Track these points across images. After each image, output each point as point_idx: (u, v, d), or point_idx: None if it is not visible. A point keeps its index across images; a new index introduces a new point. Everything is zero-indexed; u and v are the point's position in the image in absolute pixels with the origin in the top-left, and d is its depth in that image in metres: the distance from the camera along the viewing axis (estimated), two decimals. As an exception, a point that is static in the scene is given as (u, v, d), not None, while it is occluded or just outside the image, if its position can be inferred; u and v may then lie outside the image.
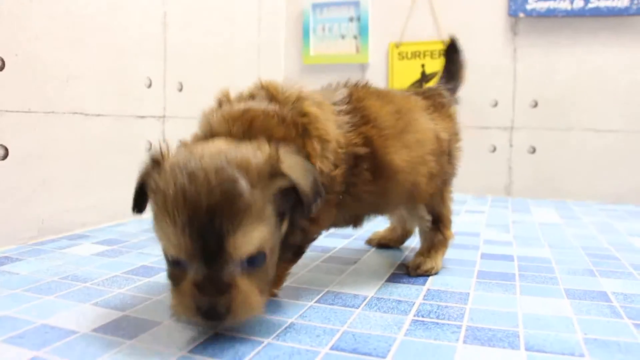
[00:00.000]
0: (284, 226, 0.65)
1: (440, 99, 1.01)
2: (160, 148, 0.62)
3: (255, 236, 0.57)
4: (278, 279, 0.76)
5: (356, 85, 0.86)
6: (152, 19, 1.49)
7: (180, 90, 1.60)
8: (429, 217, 0.97)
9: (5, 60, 1.07)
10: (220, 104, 0.73)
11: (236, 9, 1.91)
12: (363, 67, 2.18)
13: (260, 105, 0.70)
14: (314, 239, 0.80)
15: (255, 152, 0.60)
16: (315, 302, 0.79)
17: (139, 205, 0.65)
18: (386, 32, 2.14)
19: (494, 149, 2.06)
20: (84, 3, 1.25)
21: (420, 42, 2.09)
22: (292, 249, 0.74)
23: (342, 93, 0.81)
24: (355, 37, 2.16)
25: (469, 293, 0.85)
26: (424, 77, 2.09)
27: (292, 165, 0.61)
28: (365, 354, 0.61)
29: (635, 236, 1.34)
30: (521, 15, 1.95)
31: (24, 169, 1.12)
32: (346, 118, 0.77)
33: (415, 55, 2.09)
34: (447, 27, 2.07)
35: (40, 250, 1.07)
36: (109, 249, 1.09)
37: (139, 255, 1.04)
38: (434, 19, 2.08)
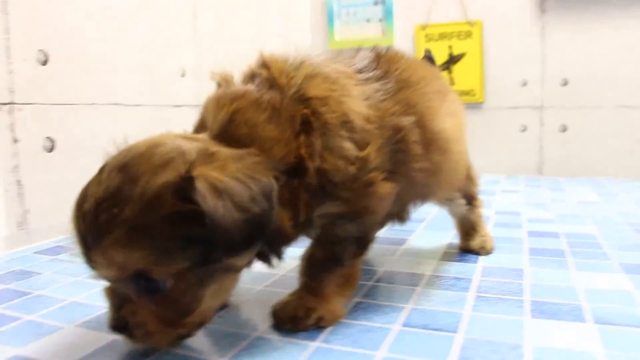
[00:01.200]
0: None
1: None
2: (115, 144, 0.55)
3: (120, 258, 0.47)
4: (351, 278, 0.66)
5: (382, 48, 0.73)
6: (183, 10, 1.49)
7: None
8: (462, 201, 0.92)
9: (49, 54, 1.08)
10: (218, 87, 0.62)
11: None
12: (389, 50, 2.17)
13: (254, 92, 0.58)
14: (372, 230, 0.67)
15: (169, 163, 0.48)
16: (375, 281, 0.80)
17: None
18: (412, 15, 2.13)
19: (525, 129, 2.04)
20: (123, 4, 1.26)
21: (447, 24, 2.07)
22: (349, 242, 0.64)
23: (366, 57, 0.68)
24: (380, 20, 2.15)
25: (523, 269, 0.85)
26: (452, 59, 2.07)
27: (219, 181, 0.47)
28: (436, 329, 0.62)
29: (678, 211, 1.33)
30: (550, -8, 1.93)
31: (70, 160, 1.13)
32: (376, 85, 0.65)
33: (443, 36, 2.07)
34: (473, 7, 2.05)
35: (91, 239, 1.09)
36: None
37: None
38: (460, 0, 2.06)
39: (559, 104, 2.00)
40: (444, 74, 2.08)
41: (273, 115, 0.56)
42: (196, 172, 0.47)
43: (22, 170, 1.04)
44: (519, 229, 1.15)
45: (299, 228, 0.58)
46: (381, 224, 0.75)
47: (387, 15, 2.13)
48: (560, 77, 1.99)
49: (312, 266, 0.64)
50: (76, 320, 0.66)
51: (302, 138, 0.56)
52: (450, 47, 2.07)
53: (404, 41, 2.14)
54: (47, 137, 1.09)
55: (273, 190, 0.50)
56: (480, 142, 2.02)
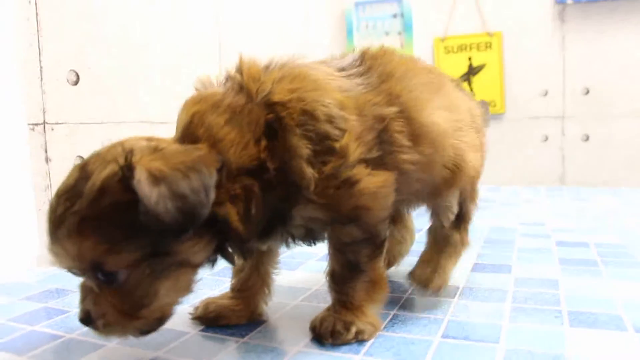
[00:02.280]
0: (189, 245, 0.52)
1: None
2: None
3: (72, 249, 0.49)
4: (377, 281, 0.64)
5: (369, 47, 0.71)
6: (207, 24, 1.51)
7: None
8: (455, 210, 0.81)
9: (79, 74, 1.11)
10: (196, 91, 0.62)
11: (283, 12, 1.93)
12: (408, 63, 2.18)
13: (218, 95, 0.58)
14: (379, 227, 0.63)
15: (117, 158, 0.50)
16: (409, 294, 0.80)
17: None
18: (430, 27, 2.14)
19: (546, 139, 2.04)
20: (145, 18, 1.28)
21: (466, 35, 2.08)
22: (359, 246, 0.62)
23: (352, 56, 0.68)
24: (399, 33, 2.17)
25: (557, 280, 0.85)
26: (471, 70, 2.08)
27: (158, 170, 0.49)
28: (477, 340, 0.62)
29: None
30: (569, 1, 1.93)
31: (101, 178, 1.15)
32: (358, 80, 0.64)
33: (462, 48, 2.08)
34: (492, 19, 2.05)
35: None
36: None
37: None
38: (478, 12, 2.07)
39: (580, 114, 2.00)
40: (464, 85, 2.08)
41: (232, 118, 0.56)
42: (136, 161, 0.49)
43: (54, 190, 1.06)
44: (547, 239, 1.14)
45: (257, 225, 0.57)
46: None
47: (406, 28, 2.14)
48: (581, 86, 1.99)
49: (335, 280, 0.64)
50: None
51: (264, 143, 0.56)
52: (469, 58, 2.08)
53: (423, 53, 2.15)
54: (78, 156, 1.10)
55: (211, 183, 0.50)
56: (502, 152, 2.01)
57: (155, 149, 0.52)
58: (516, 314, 0.70)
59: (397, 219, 0.77)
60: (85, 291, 0.53)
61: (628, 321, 0.66)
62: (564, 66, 2.00)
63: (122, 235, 0.49)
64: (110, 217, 0.49)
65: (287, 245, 0.66)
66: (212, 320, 0.69)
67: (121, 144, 0.53)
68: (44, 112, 1.04)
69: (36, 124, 1.02)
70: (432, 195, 0.76)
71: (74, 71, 1.10)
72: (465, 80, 2.08)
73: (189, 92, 1.19)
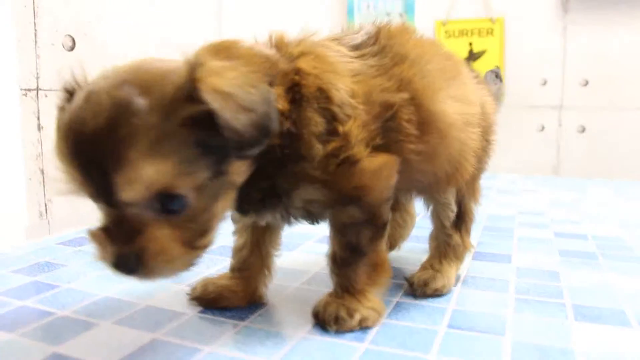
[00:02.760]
0: (237, 166, 0.50)
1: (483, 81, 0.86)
2: (75, 74, 0.50)
3: (149, 172, 0.43)
4: (380, 264, 0.63)
5: (387, 23, 0.68)
6: (208, 11, 1.48)
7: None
8: (454, 208, 0.79)
9: (76, 39, 1.07)
10: None
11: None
12: (407, 46, 2.16)
13: (255, 46, 0.58)
14: (380, 208, 0.61)
15: (176, 68, 0.47)
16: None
17: None
18: (432, 10, 2.11)
19: (543, 128, 2.03)
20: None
21: (467, 20, 2.05)
22: (360, 227, 0.61)
23: (366, 33, 0.66)
24: (400, 15, 2.14)
25: (558, 272, 0.84)
26: (472, 56, 2.06)
27: (223, 85, 0.46)
28: (482, 331, 0.61)
29: None
30: (573, -9, 1.91)
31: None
32: (371, 61, 0.62)
33: (463, 33, 2.06)
34: (495, 4, 2.03)
35: (113, 231, 1.08)
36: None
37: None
38: (481, -4, 2.05)
39: (578, 105, 1.99)
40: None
41: (267, 62, 0.55)
42: (200, 76, 0.45)
43: (45, 159, 1.03)
44: (546, 229, 1.13)
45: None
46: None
47: (408, 9, 2.11)
48: (580, 77, 1.98)
49: (336, 264, 0.62)
50: (111, 316, 0.64)
51: (288, 96, 0.55)
52: (470, 44, 2.05)
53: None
54: (72, 126, 1.07)
55: (271, 96, 0.49)
56: (498, 140, 2.00)
57: (200, 64, 0.47)
58: (520, 305, 0.69)
59: (396, 206, 0.74)
60: (121, 233, 0.47)
61: (632, 315, 0.66)
62: (564, 57, 1.99)
63: (193, 155, 0.45)
64: (181, 136, 0.45)
65: (289, 223, 0.64)
66: (211, 301, 0.67)
67: (150, 61, 0.49)
68: (37, 78, 1.00)
69: (29, 90, 0.99)
70: (432, 189, 0.75)
71: (70, 36, 1.06)
72: (465, 66, 2.06)
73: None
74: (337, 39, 0.64)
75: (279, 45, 0.59)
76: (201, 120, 0.45)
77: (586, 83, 1.97)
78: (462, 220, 0.80)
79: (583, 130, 1.99)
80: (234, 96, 0.46)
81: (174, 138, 0.44)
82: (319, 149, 0.55)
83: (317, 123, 0.55)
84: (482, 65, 2.04)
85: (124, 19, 1.18)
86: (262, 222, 0.65)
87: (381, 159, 0.59)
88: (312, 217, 0.63)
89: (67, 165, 0.45)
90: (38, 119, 1.01)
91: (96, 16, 1.11)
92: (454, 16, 2.08)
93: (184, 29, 1.39)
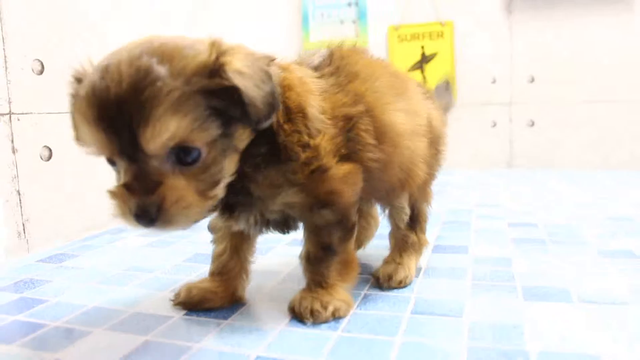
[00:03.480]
0: (240, 132, 0.58)
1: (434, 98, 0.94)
2: (82, 65, 0.58)
3: (171, 126, 0.51)
4: (349, 263, 0.71)
5: (340, 44, 0.77)
6: (177, 18, 1.52)
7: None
8: (408, 211, 0.86)
9: (44, 63, 1.10)
10: None
11: (239, 1, 1.94)
12: (363, 51, 2.23)
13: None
14: (349, 212, 0.68)
15: (194, 44, 0.55)
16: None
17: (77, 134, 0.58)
18: (384, 16, 2.20)
19: (495, 124, 2.13)
20: (109, 8, 1.28)
21: (418, 25, 2.15)
22: (331, 229, 0.68)
23: (321, 55, 0.74)
24: (354, 22, 2.21)
25: (511, 259, 0.92)
26: (424, 58, 2.15)
27: (242, 67, 0.55)
28: (442, 314, 0.68)
29: (643, 198, 1.43)
30: (516, -7, 2.02)
31: (66, 168, 1.16)
32: (330, 80, 0.69)
33: (415, 37, 2.15)
34: (444, 8, 2.12)
35: (90, 245, 1.12)
36: (156, 240, 1.14)
37: (189, 244, 1.09)
38: (431, 2, 2.14)
39: (526, 100, 2.10)
40: (417, 73, 2.15)
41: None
42: (226, 59, 0.54)
43: (21, 180, 1.06)
44: (501, 220, 1.22)
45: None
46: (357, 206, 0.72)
47: (361, 16, 2.19)
48: (527, 74, 2.09)
49: (310, 262, 0.70)
50: (103, 324, 0.69)
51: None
52: (422, 47, 2.14)
53: (377, 41, 2.21)
54: (45, 146, 1.11)
55: (273, 75, 0.58)
56: (453, 137, 2.09)
57: (217, 46, 0.56)
58: (476, 290, 0.76)
59: (359, 212, 0.81)
60: (142, 185, 0.53)
61: (574, 293, 0.74)
62: (512, 55, 2.09)
63: (206, 116, 0.53)
64: (197, 99, 0.52)
65: (261, 230, 0.71)
66: (195, 304, 0.73)
67: (170, 38, 0.57)
68: (9, 103, 1.04)
69: (2, 114, 1.02)
70: (389, 196, 0.82)
71: (39, 60, 1.10)
72: (418, 69, 2.15)
73: None
74: (299, 63, 0.72)
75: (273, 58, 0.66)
76: (215, 91, 0.53)
77: (533, 80, 2.09)
78: (416, 221, 0.87)
79: (532, 124, 2.10)
80: (251, 76, 0.55)
81: (191, 101, 0.52)
82: (299, 157, 0.63)
83: (303, 133, 0.63)
84: (435, 66, 2.14)
85: (91, 42, 1.22)
86: (237, 227, 0.71)
87: (347, 167, 0.66)
88: (286, 223, 0.70)
89: (93, 129, 0.52)
90: (12, 142, 1.04)
91: (64, 40, 1.15)
92: (405, 21, 2.17)
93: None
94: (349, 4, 2.21)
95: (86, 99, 0.52)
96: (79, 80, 0.57)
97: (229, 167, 0.59)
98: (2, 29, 1.02)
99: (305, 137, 0.63)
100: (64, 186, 1.16)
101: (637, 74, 1.98)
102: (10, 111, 1.04)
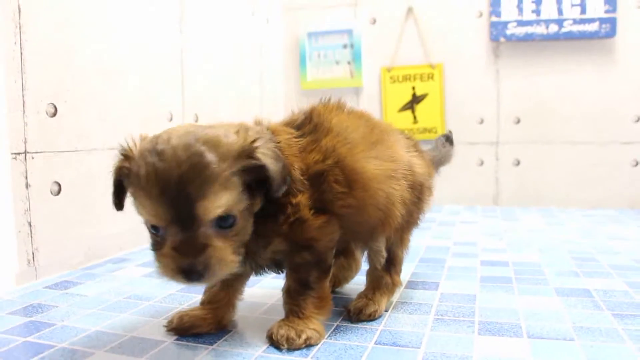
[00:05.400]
0: (258, 199, 0.71)
1: (423, 151, 1.01)
2: (127, 143, 0.69)
3: (222, 200, 0.64)
4: (324, 298, 0.80)
5: (322, 102, 0.86)
6: (172, 57, 1.64)
7: (196, 121, 1.75)
8: (385, 254, 0.94)
9: (57, 106, 1.21)
10: None
11: (239, 41, 2.06)
12: (357, 90, 2.35)
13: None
14: (326, 255, 0.79)
15: (227, 133, 0.68)
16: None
17: (118, 201, 0.73)
18: (378, 58, 2.32)
19: (482, 163, 2.23)
20: (112, 53, 1.40)
21: (410, 66, 2.26)
22: (309, 267, 0.78)
23: (303, 114, 0.84)
24: (349, 63, 2.33)
25: (475, 295, 1.01)
26: (415, 99, 2.26)
27: (265, 150, 0.69)
28: (402, 346, 0.77)
29: (614, 239, 1.52)
30: (502, 39, 2.14)
31: (73, 201, 1.26)
32: (309, 138, 0.79)
33: (406, 78, 2.26)
34: (434, 52, 2.24)
35: (93, 274, 1.21)
36: (152, 270, 1.20)
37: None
38: (422, 45, 2.26)
39: (512, 140, 2.20)
40: (408, 112, 2.26)
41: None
42: (256, 145, 0.68)
43: (32, 213, 1.16)
44: (475, 258, 1.31)
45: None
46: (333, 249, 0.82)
47: (356, 57, 2.31)
48: (513, 115, 2.20)
49: (290, 295, 0.80)
50: (103, 346, 0.79)
51: None
52: (413, 87, 2.26)
53: (370, 82, 2.32)
54: (55, 182, 1.21)
55: (280, 155, 0.72)
56: (442, 174, 2.19)
57: (247, 132, 0.71)
58: (437, 324, 0.85)
59: (344, 253, 0.95)
60: (190, 251, 0.64)
61: (524, 328, 0.83)
62: (498, 97, 2.20)
63: (243, 189, 0.67)
64: (237, 178, 0.66)
65: (257, 273, 0.83)
66: (186, 329, 0.82)
67: (207, 127, 0.70)
68: (25, 143, 1.14)
69: (18, 153, 1.13)
70: (371, 235, 0.89)
71: (52, 104, 1.21)
72: (409, 109, 2.26)
73: (153, 118, 1.35)
74: (287, 123, 0.83)
75: (262, 124, 0.80)
76: (247, 169, 0.67)
77: (518, 121, 2.19)
78: (391, 264, 0.95)
79: (518, 163, 2.20)
80: (271, 156, 0.69)
81: (234, 178, 0.66)
82: (286, 211, 0.74)
83: (290, 194, 0.74)
84: (425, 107, 2.25)
85: (99, 84, 1.33)
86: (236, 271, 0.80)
87: (323, 217, 0.77)
88: (277, 265, 0.81)
89: (155, 203, 0.64)
90: (26, 178, 1.14)
91: (75, 84, 1.26)
92: (397, 63, 2.29)
93: (151, 88, 1.54)
94: (345, 46, 2.33)
95: (148, 178, 0.64)
96: (126, 157, 0.68)
97: (249, 228, 0.72)
98: (22, 77, 1.13)
99: (291, 197, 0.74)
100: (71, 219, 1.26)
101: (614, 118, 2.09)
102: (25, 150, 1.14)
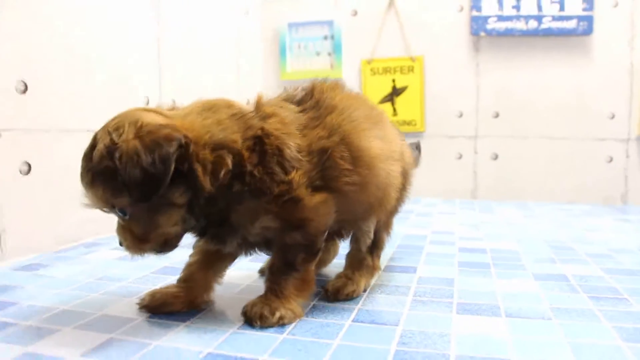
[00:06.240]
0: (172, 194, 0.69)
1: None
2: None
3: (95, 194, 0.68)
4: (307, 281, 0.79)
5: (321, 80, 0.86)
6: (148, 44, 1.61)
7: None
8: (372, 236, 0.95)
9: (27, 83, 1.18)
10: None
11: (217, 31, 2.04)
12: (337, 82, 2.34)
13: (236, 105, 0.77)
14: (317, 237, 0.78)
15: (111, 132, 0.67)
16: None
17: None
18: (359, 50, 2.31)
19: (460, 156, 2.24)
20: (89, 30, 1.36)
21: (390, 59, 2.26)
22: (298, 249, 0.76)
23: (303, 89, 0.83)
24: (329, 54, 2.32)
25: (454, 279, 1.00)
26: (395, 91, 2.25)
27: (129, 150, 0.65)
28: (381, 324, 0.76)
29: (589, 231, 1.53)
30: (482, 34, 2.15)
31: (44, 183, 1.22)
32: (310, 114, 0.79)
33: (386, 70, 2.26)
34: (415, 45, 2.24)
35: (65, 257, 1.18)
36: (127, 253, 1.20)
37: (158, 259, 1.13)
38: (403, 38, 2.25)
39: (491, 134, 2.21)
40: (388, 105, 2.26)
41: (233, 114, 0.74)
42: (119, 140, 0.66)
43: (0, 192, 1.12)
44: (452, 245, 1.31)
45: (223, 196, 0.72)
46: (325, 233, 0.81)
47: (336, 49, 2.30)
48: (492, 109, 2.20)
49: (272, 272, 0.78)
50: (71, 323, 0.76)
51: (249, 144, 0.73)
52: (393, 80, 2.25)
53: (351, 74, 2.31)
54: (25, 161, 1.17)
55: (170, 157, 0.66)
56: (421, 168, 2.19)
57: (139, 126, 0.67)
58: (415, 305, 0.84)
59: (342, 234, 0.92)
60: (117, 224, 0.73)
61: (502, 309, 0.82)
62: (478, 91, 2.21)
63: (117, 186, 0.66)
64: (109, 174, 0.66)
65: (247, 252, 0.81)
66: (157, 307, 0.80)
67: (122, 117, 0.69)
68: (-7, 120, 1.11)
69: (-15, 131, 1.09)
70: (364, 215, 0.89)
71: (23, 81, 1.17)
72: (389, 101, 2.25)
73: (129, 102, 1.32)
74: (286, 98, 0.82)
75: (258, 105, 0.77)
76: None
77: (497, 115, 2.20)
78: (375, 246, 0.97)
79: (496, 157, 2.21)
80: (137, 158, 0.65)
81: (104, 176, 0.67)
82: (273, 191, 0.72)
83: (277, 172, 0.72)
84: (405, 99, 2.25)
85: (72, 63, 1.30)
86: (226, 250, 0.80)
87: (320, 197, 0.75)
88: (267, 243, 0.79)
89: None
90: (-6, 155, 1.11)
91: (46, 61, 1.23)
92: (378, 55, 2.28)
93: (127, 71, 1.51)
94: (325, 37, 2.32)
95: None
96: None
97: (168, 220, 0.72)
98: (-9, 50, 1.09)
99: (280, 176, 0.72)
100: (42, 200, 1.22)
101: (591, 113, 2.11)
102: (-6, 127, 1.11)
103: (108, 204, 0.69)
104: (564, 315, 0.80)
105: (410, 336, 0.71)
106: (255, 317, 0.74)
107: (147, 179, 0.65)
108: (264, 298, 0.77)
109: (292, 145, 0.74)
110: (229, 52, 2.13)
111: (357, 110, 0.82)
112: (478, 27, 2.14)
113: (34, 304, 0.85)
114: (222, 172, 0.70)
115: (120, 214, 0.71)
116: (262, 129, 0.73)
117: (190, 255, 0.85)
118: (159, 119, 0.70)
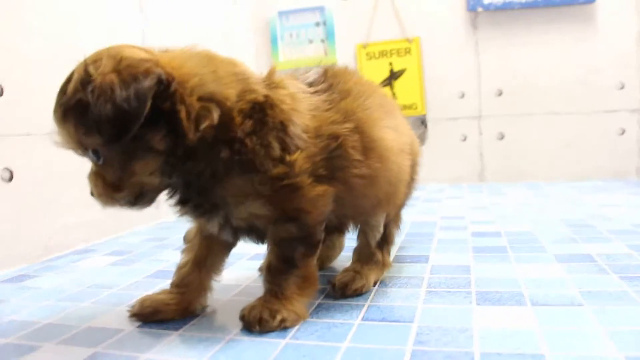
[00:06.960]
0: (151, 137, 0.62)
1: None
2: None
3: (69, 131, 0.62)
4: (309, 278, 0.71)
5: (331, 65, 0.81)
6: (132, 38, 1.53)
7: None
8: (381, 230, 0.88)
9: (3, 86, 1.10)
10: None
11: (204, 23, 1.96)
12: (333, 69, 2.26)
13: (238, 65, 0.71)
14: (315, 229, 0.70)
15: (88, 64, 0.62)
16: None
17: None
18: (352, 34, 2.23)
19: (465, 138, 2.16)
20: (70, 34, 1.29)
21: (386, 42, 2.18)
22: (295, 243, 0.69)
23: (315, 72, 0.77)
24: (322, 41, 2.24)
25: (469, 265, 0.93)
26: (393, 75, 2.18)
27: (103, 87, 0.59)
28: (393, 321, 0.68)
29: (606, 206, 1.45)
30: (479, 9, 2.06)
31: (28, 189, 1.15)
32: (323, 97, 0.73)
33: (383, 54, 2.18)
34: (410, 26, 2.16)
35: (53, 266, 1.11)
36: (119, 259, 1.14)
37: (151, 262, 1.09)
38: (397, 19, 2.17)
39: (495, 114, 2.13)
40: (386, 89, 2.18)
41: (235, 77, 0.67)
42: (94, 73, 0.60)
43: (-20, 201, 1.05)
44: (464, 230, 1.23)
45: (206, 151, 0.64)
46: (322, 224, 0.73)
47: (329, 35, 2.22)
48: (495, 88, 2.12)
49: (270, 272, 0.70)
50: (54, 339, 0.69)
51: (248, 108, 0.65)
52: (390, 63, 2.18)
53: (346, 59, 2.23)
54: (5, 168, 1.10)
55: (146, 93, 0.59)
56: (424, 152, 2.12)
57: (120, 60, 0.60)
58: (430, 297, 0.77)
59: (343, 229, 0.84)
60: (90, 171, 0.66)
61: (527, 297, 0.75)
62: (479, 70, 2.13)
63: (90, 124, 0.59)
64: (81, 110, 0.59)
65: (234, 237, 0.74)
66: (148, 315, 0.73)
67: (103, 51, 0.64)
68: (-33, 124, 1.03)
69: (-40, 136, 1.02)
70: (373, 211, 0.83)
71: (-1, 84, 1.10)
72: (387, 85, 2.17)
73: None
74: (294, 77, 0.75)
75: (269, 74, 0.70)
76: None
77: (500, 93, 2.12)
78: (385, 241, 0.89)
79: (502, 137, 2.13)
80: (111, 93, 0.58)
81: (76, 111, 0.60)
82: (269, 170, 0.64)
83: (274, 148, 0.65)
84: (404, 83, 2.17)
85: (51, 66, 1.23)
86: (208, 229, 0.72)
87: (320, 189, 0.68)
88: (255, 233, 0.71)
89: None
90: (-30, 162, 1.04)
91: (24, 63, 1.15)
92: (373, 39, 2.20)
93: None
94: (317, 24, 2.24)
95: None
96: None
97: (144, 167, 0.64)
98: (-41, 50, 1.02)
99: (278, 152, 0.65)
100: (27, 208, 1.15)
101: (597, 86, 2.03)
102: (-32, 132, 1.03)
103: (80, 145, 0.63)
104: (595, 299, 0.72)
105: (427, 333, 0.63)
106: (254, 321, 0.67)
107: (120, 115, 0.58)
108: (263, 300, 0.69)
109: (299, 124, 0.67)
110: (218, 44, 2.05)
111: (370, 98, 0.77)
112: (475, 2, 2.06)
113: (15, 319, 0.78)
114: (204, 124, 0.62)
115: (93, 157, 0.64)
116: (267, 96, 0.66)
117: (181, 253, 0.78)
118: (142, 54, 0.63)
